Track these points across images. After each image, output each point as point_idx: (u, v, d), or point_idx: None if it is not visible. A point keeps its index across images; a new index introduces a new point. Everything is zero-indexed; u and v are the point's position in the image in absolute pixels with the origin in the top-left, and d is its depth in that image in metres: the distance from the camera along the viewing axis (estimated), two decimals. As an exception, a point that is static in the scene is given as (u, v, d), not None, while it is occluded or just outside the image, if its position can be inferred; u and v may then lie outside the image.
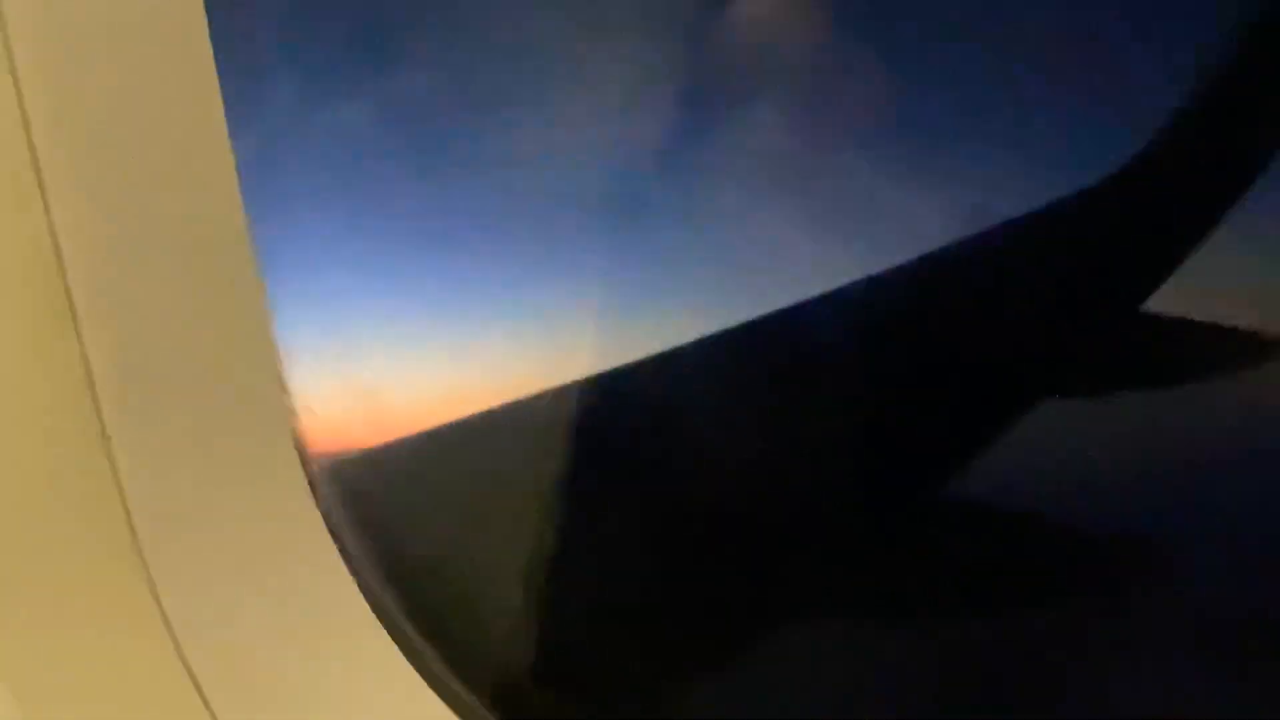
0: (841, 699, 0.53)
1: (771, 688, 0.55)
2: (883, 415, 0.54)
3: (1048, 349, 0.53)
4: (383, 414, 0.61)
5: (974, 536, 0.53)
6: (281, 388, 0.53)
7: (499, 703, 0.55)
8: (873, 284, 0.52)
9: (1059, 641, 0.52)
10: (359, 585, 0.56)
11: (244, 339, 0.51)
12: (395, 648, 0.55)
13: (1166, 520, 0.51)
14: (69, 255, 0.48)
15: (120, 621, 0.53)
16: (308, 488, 0.55)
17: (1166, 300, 0.51)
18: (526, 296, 0.58)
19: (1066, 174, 0.51)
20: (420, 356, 0.61)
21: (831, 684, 0.53)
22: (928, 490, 0.54)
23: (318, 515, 0.55)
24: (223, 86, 0.47)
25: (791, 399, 0.55)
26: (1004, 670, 0.52)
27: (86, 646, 0.52)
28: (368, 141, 0.56)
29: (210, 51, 0.47)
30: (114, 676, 0.52)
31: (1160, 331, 0.51)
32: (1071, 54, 0.49)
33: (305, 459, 0.56)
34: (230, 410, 0.53)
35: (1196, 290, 0.50)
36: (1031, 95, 0.51)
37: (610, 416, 0.56)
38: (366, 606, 0.56)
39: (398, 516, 0.60)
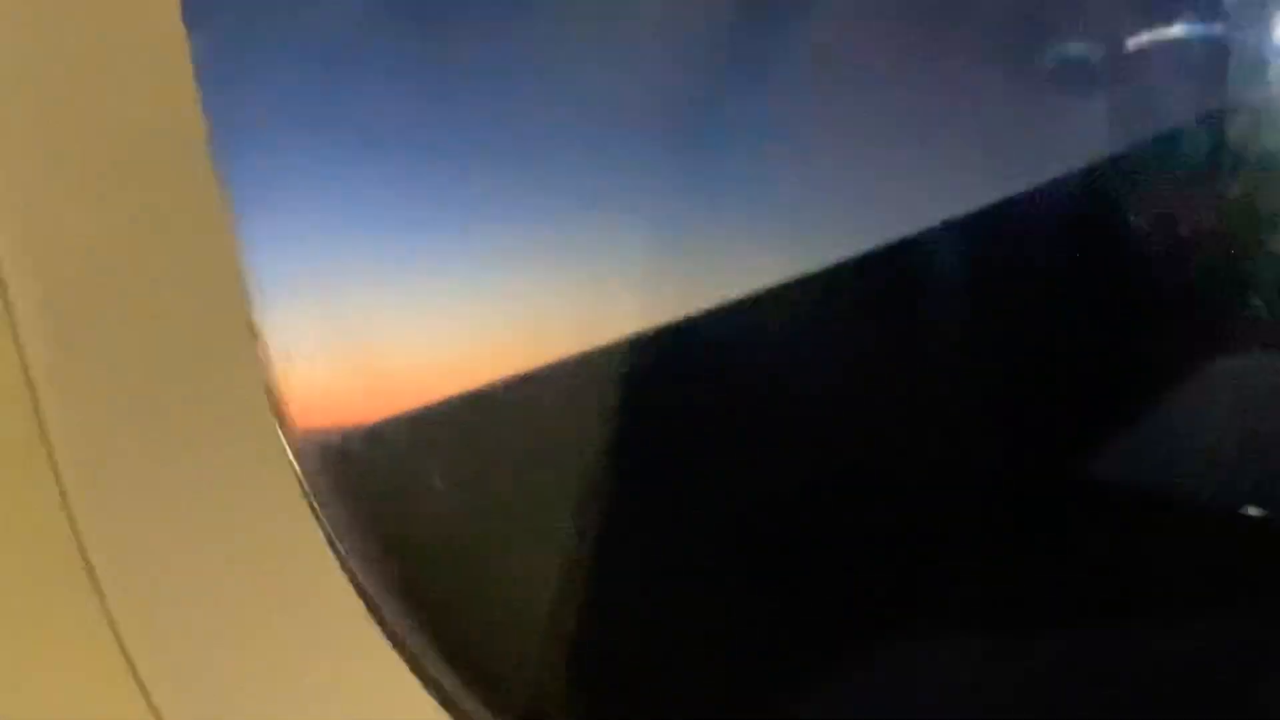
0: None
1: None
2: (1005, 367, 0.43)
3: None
4: (384, 378, 0.51)
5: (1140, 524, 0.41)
6: (251, 331, 0.44)
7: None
8: (994, 211, 0.42)
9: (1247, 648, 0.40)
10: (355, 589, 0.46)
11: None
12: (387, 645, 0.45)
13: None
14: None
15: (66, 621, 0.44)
16: (290, 459, 0.46)
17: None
18: (564, 231, 0.47)
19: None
20: (429, 309, 0.50)
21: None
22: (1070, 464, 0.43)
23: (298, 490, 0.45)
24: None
25: (894, 350, 0.43)
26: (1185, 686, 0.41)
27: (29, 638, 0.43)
28: (354, 37, 0.46)
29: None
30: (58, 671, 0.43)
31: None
32: None
33: (284, 424, 0.46)
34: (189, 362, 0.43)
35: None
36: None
37: (666, 382, 0.45)
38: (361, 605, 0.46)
39: (404, 500, 0.49)
